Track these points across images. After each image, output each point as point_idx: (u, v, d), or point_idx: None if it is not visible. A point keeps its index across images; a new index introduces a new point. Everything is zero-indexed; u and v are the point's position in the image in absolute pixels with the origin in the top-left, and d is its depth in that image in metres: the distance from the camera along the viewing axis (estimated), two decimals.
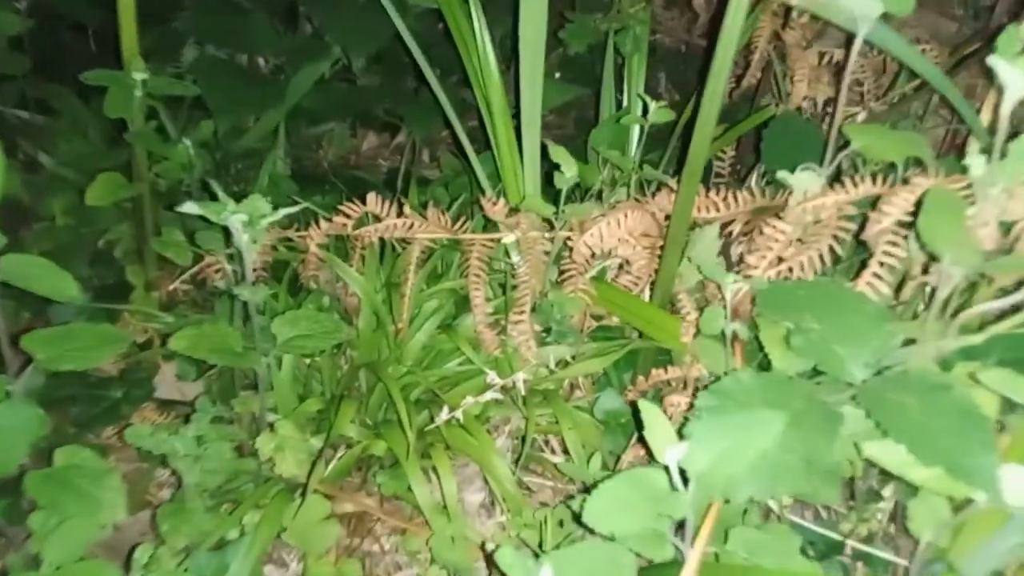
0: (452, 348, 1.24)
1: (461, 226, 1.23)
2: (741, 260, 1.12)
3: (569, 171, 1.05)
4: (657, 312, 1.13)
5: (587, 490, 0.74)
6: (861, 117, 1.33)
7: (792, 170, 1.17)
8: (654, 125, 1.19)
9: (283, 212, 0.86)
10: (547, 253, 1.23)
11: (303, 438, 1.14)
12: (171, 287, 1.32)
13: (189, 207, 0.85)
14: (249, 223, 0.86)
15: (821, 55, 1.40)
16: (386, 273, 1.31)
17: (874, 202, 0.95)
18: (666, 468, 0.73)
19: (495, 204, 1.12)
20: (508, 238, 1.14)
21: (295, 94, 1.63)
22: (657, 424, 0.72)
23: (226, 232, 0.91)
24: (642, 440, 0.75)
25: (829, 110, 1.38)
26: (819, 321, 0.81)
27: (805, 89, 1.31)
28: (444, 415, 1.10)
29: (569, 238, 1.17)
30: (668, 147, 1.55)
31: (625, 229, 1.07)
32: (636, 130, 1.48)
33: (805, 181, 0.98)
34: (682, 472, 0.72)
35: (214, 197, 0.87)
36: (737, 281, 0.90)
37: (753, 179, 1.34)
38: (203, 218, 0.88)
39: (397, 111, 1.75)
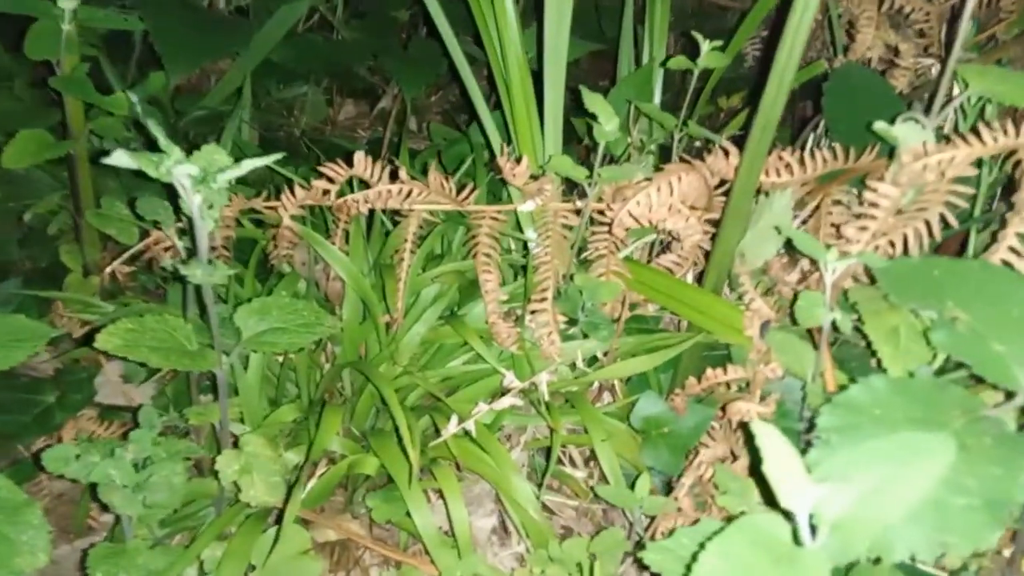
0: (457, 343, 1.03)
1: (468, 195, 1.01)
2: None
3: (609, 122, 0.84)
4: (712, 299, 0.92)
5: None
6: (935, 71, 1.14)
7: (859, 129, 0.98)
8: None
9: (247, 165, 0.64)
10: (569, 228, 1.02)
11: (275, 455, 0.92)
12: (120, 271, 1.08)
13: (119, 158, 0.63)
14: (202, 180, 0.64)
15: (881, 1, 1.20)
16: (376, 252, 1.09)
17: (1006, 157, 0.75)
18: (788, 515, 0.52)
19: (515, 164, 0.90)
20: (527, 206, 0.93)
21: (263, 45, 1.40)
22: (778, 453, 0.51)
23: (175, 198, 0.68)
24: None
25: (892, 63, 1.18)
26: (967, 310, 0.61)
27: (870, 38, 1.11)
28: (453, 426, 0.88)
29: (601, 211, 0.96)
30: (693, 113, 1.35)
31: (678, 195, 0.86)
32: (660, 88, 1.28)
33: (910, 134, 0.78)
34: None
35: (155, 148, 0.65)
36: (840, 258, 0.69)
37: (809, 140, 1.14)
38: (152, 180, 0.66)
39: (383, 68, 1.52)
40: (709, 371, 0.91)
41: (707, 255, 1.00)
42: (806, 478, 0.51)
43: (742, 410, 0.84)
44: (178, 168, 0.61)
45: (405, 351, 1.03)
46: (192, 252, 0.73)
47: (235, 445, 0.91)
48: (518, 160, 0.92)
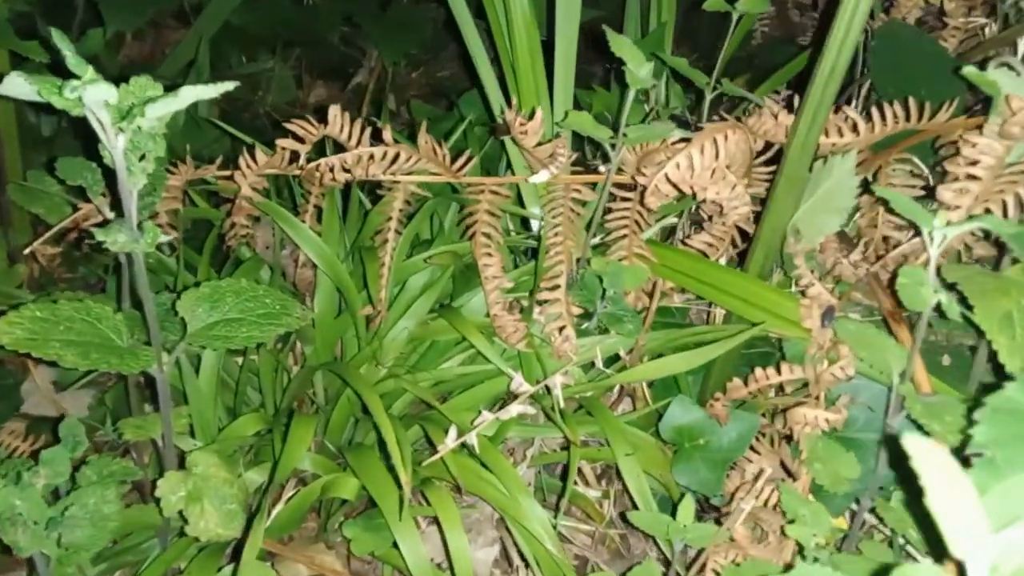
0: (452, 340, 0.87)
1: (464, 164, 0.85)
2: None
3: (641, 67, 0.69)
4: (759, 285, 0.77)
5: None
6: (989, 31, 1.00)
7: (912, 91, 0.84)
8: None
9: (187, 94, 0.48)
10: (583, 204, 0.87)
11: (232, 476, 0.75)
12: (42, 253, 0.91)
13: (11, 84, 0.46)
14: (125, 115, 0.47)
15: None
16: (354, 233, 0.93)
17: None
18: (961, 566, 0.37)
19: (526, 120, 0.74)
20: (540, 176, 0.78)
21: (222, 7, 1.22)
22: (947, 478, 0.36)
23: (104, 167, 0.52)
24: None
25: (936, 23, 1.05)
26: None
27: None
28: (451, 439, 0.72)
29: (622, 185, 0.81)
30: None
31: (725, 158, 0.71)
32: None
33: (1011, 82, 0.64)
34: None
35: (61, 71, 0.49)
36: (942, 225, 0.55)
37: (854, 102, 1.00)
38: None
39: (359, 38, 1.36)
40: (759, 371, 0.75)
41: (743, 233, 0.86)
42: (982, 517, 0.36)
43: (807, 418, 0.69)
44: (91, 92, 0.45)
45: (390, 350, 0.86)
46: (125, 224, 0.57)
47: (182, 465, 0.74)
48: (530, 115, 0.76)
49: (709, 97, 0.85)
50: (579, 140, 0.94)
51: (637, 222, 0.86)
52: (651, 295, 0.81)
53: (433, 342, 0.87)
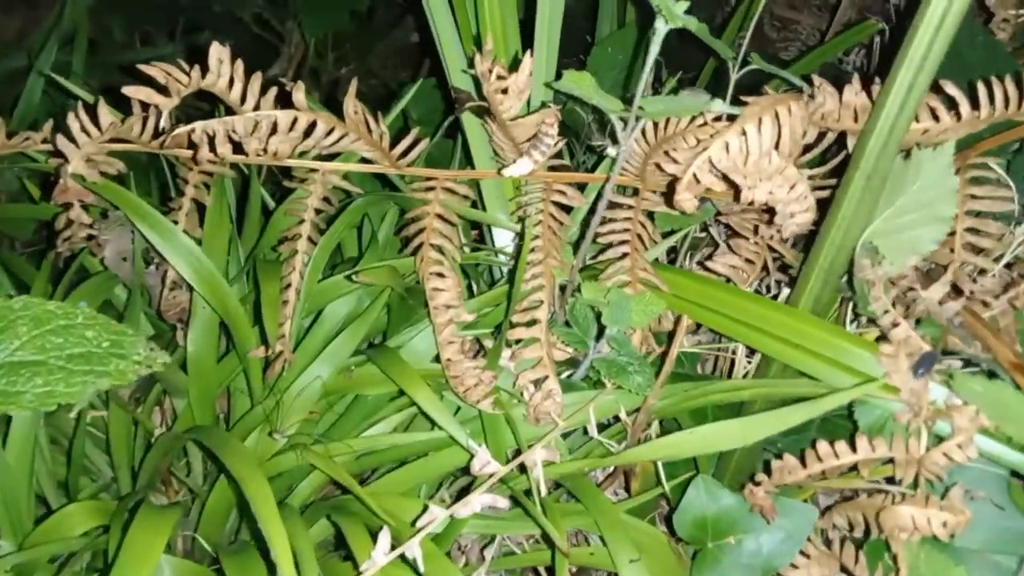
0: (386, 394, 0.61)
1: (409, 150, 0.62)
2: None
3: (677, 2, 0.47)
4: (817, 323, 0.55)
5: None
6: None
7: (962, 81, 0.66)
8: None
9: None
10: (567, 211, 0.64)
11: None
12: None
13: None
14: None
15: None
16: (251, 242, 0.67)
17: None
18: None
19: (505, 74, 0.50)
20: (519, 166, 0.54)
21: None
22: None
23: None
24: None
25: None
26: None
27: None
28: (380, 551, 0.47)
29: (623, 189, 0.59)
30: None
31: (789, 142, 0.49)
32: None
33: None
34: None
35: None
36: None
37: None
38: None
39: (280, 15, 1.12)
40: (823, 447, 0.53)
41: (793, 254, 0.64)
42: None
43: (909, 520, 0.47)
44: None
45: (294, 408, 0.61)
46: None
47: None
48: (512, 65, 0.53)
49: (736, 74, 0.64)
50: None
51: (640, 236, 0.64)
52: (672, 336, 0.58)
53: (357, 397, 0.62)
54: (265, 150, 0.53)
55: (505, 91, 0.50)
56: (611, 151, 0.51)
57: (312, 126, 0.54)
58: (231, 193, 0.66)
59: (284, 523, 0.47)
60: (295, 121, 0.53)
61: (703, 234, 0.82)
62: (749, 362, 0.69)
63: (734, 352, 0.70)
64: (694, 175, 0.48)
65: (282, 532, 0.47)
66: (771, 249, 0.66)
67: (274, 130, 0.53)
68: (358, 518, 0.55)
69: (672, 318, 0.65)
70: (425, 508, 0.50)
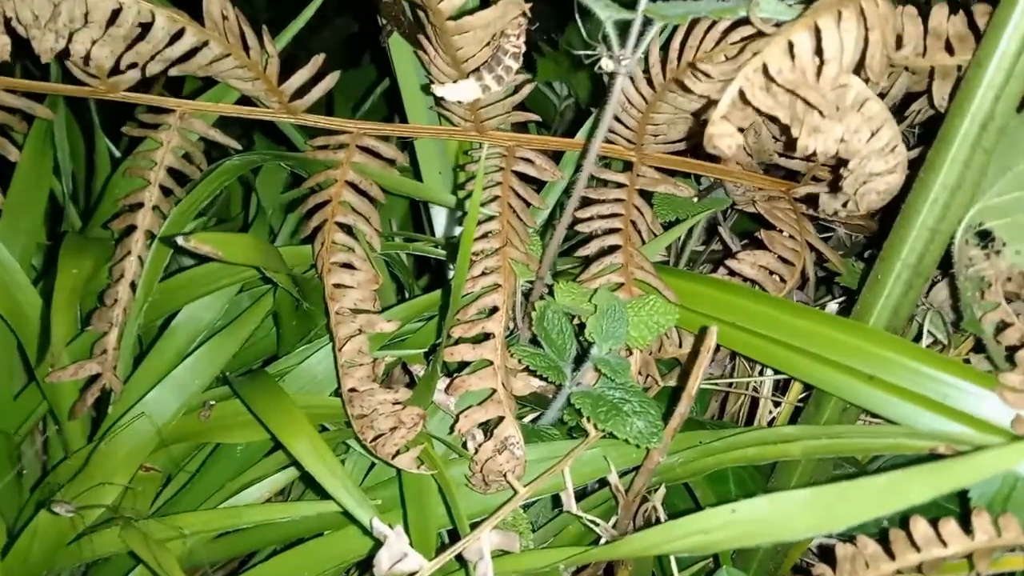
0: (258, 444, 0.41)
1: (309, 86, 0.43)
2: None
3: None
4: (899, 345, 0.37)
5: None
6: None
7: None
8: None
9: None
10: (536, 189, 0.46)
11: None
12: None
13: None
14: None
15: None
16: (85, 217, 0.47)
17: None
18: None
19: None
20: (465, 88, 0.36)
21: None
22: None
23: None
24: None
25: None
26: None
27: None
28: None
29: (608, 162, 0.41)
30: None
31: (879, 50, 0.32)
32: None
33: None
34: None
35: None
36: None
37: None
38: None
39: None
40: (922, 527, 0.34)
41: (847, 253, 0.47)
42: None
43: None
44: None
45: (122, 461, 0.40)
46: None
47: None
48: None
49: None
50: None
51: (635, 224, 0.46)
52: (692, 359, 0.39)
53: (220, 448, 0.42)
54: (67, 53, 0.34)
55: None
56: (605, 65, 0.33)
57: (150, 25, 0.35)
58: (64, 146, 0.47)
59: None
60: (119, 10, 0.34)
61: (702, 246, 0.65)
62: (776, 403, 0.51)
63: (755, 389, 0.52)
64: (740, 93, 0.30)
65: None
66: (810, 247, 0.49)
67: (86, 21, 0.34)
68: None
69: (677, 339, 0.47)
70: None
